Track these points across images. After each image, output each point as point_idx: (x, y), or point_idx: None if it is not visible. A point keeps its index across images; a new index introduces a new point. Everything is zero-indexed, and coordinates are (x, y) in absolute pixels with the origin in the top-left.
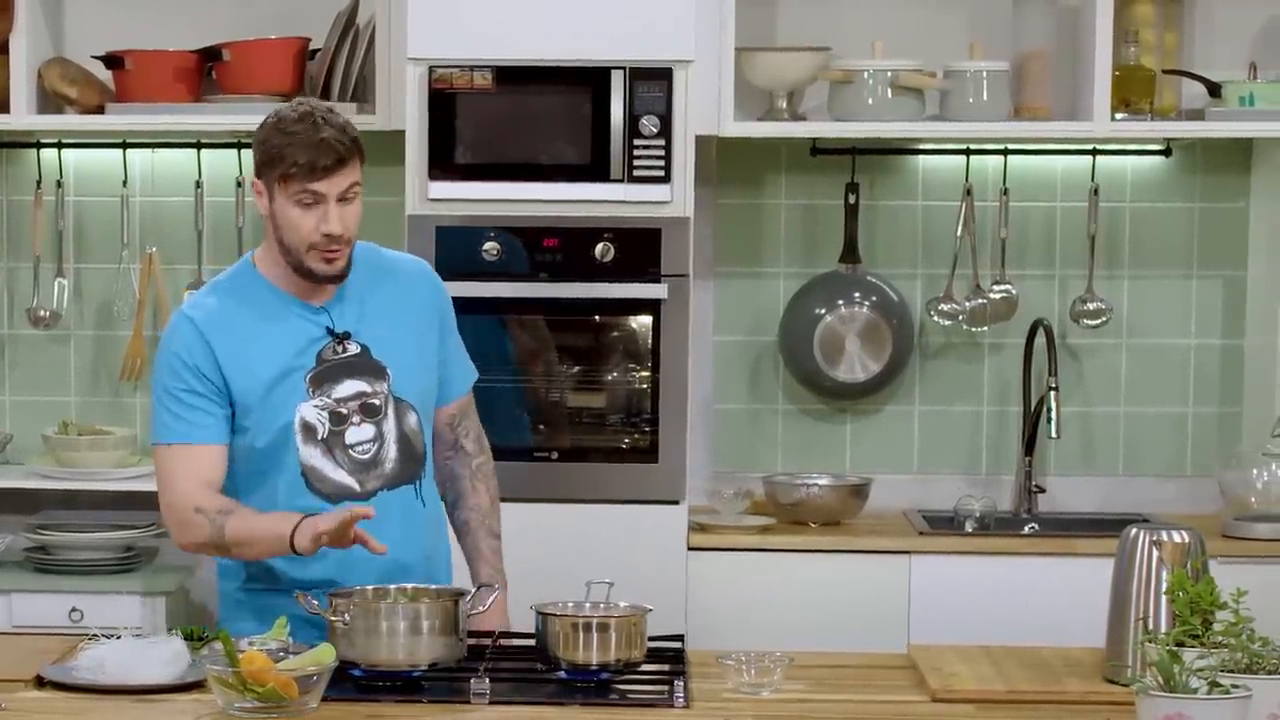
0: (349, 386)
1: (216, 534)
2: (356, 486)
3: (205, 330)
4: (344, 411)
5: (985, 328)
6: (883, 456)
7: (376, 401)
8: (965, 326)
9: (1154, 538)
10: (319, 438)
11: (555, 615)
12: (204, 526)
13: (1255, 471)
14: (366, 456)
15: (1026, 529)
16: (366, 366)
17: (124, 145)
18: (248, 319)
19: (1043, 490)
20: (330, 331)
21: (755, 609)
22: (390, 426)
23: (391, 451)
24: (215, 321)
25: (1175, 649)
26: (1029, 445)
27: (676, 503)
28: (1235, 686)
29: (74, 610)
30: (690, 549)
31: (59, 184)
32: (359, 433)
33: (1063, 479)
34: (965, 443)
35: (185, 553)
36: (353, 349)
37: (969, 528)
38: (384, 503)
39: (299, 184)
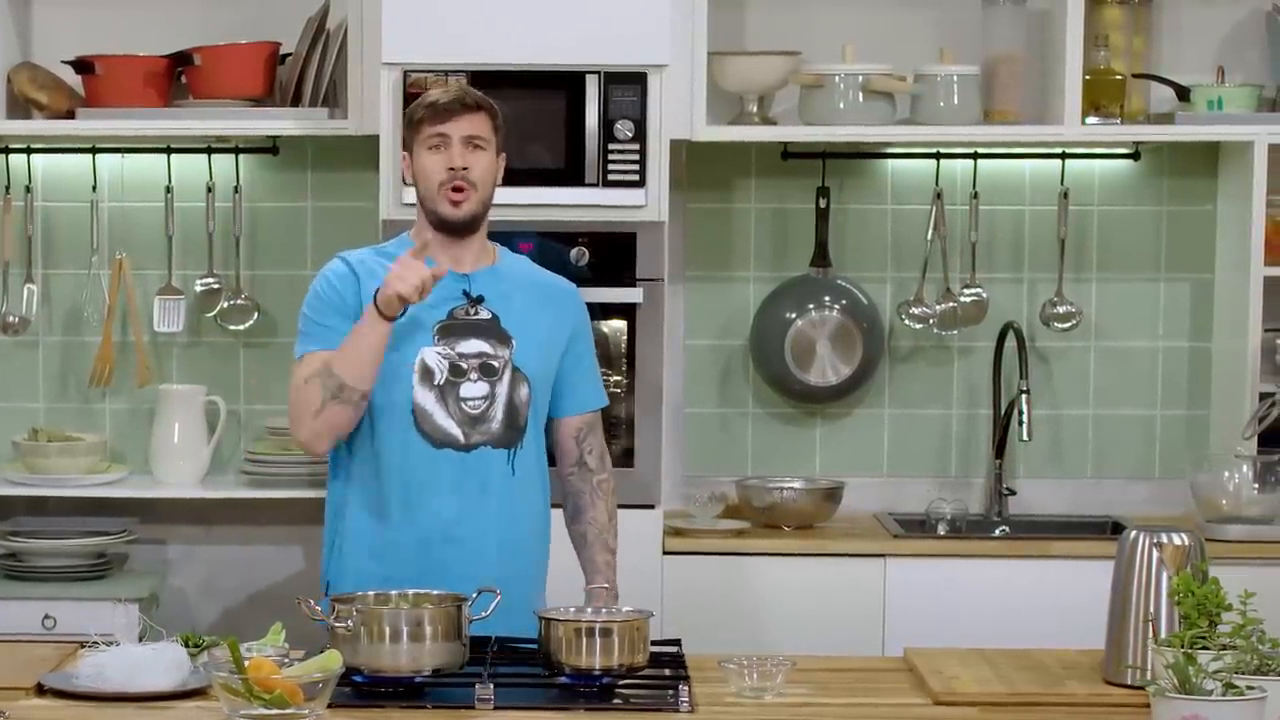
0: (473, 345)
1: (328, 380)
2: (461, 437)
3: (357, 269)
4: (464, 366)
5: (955, 331)
6: (853, 460)
7: (496, 364)
8: (935, 330)
9: (1155, 540)
10: (435, 382)
11: (558, 620)
12: (315, 385)
13: (1226, 474)
14: (476, 412)
15: (997, 531)
16: (493, 331)
17: (93, 150)
18: (390, 264)
19: (1013, 493)
20: (466, 294)
21: (732, 612)
22: (503, 390)
23: (499, 413)
24: (367, 265)
25: (1190, 651)
26: (999, 448)
27: (652, 507)
28: (1250, 688)
29: (47, 617)
30: (665, 553)
31: (28, 189)
32: (473, 388)
33: (1032, 481)
34: (935, 446)
35: (310, 449)
36: (483, 314)
37: (941, 530)
38: (483, 458)
39: (427, 128)
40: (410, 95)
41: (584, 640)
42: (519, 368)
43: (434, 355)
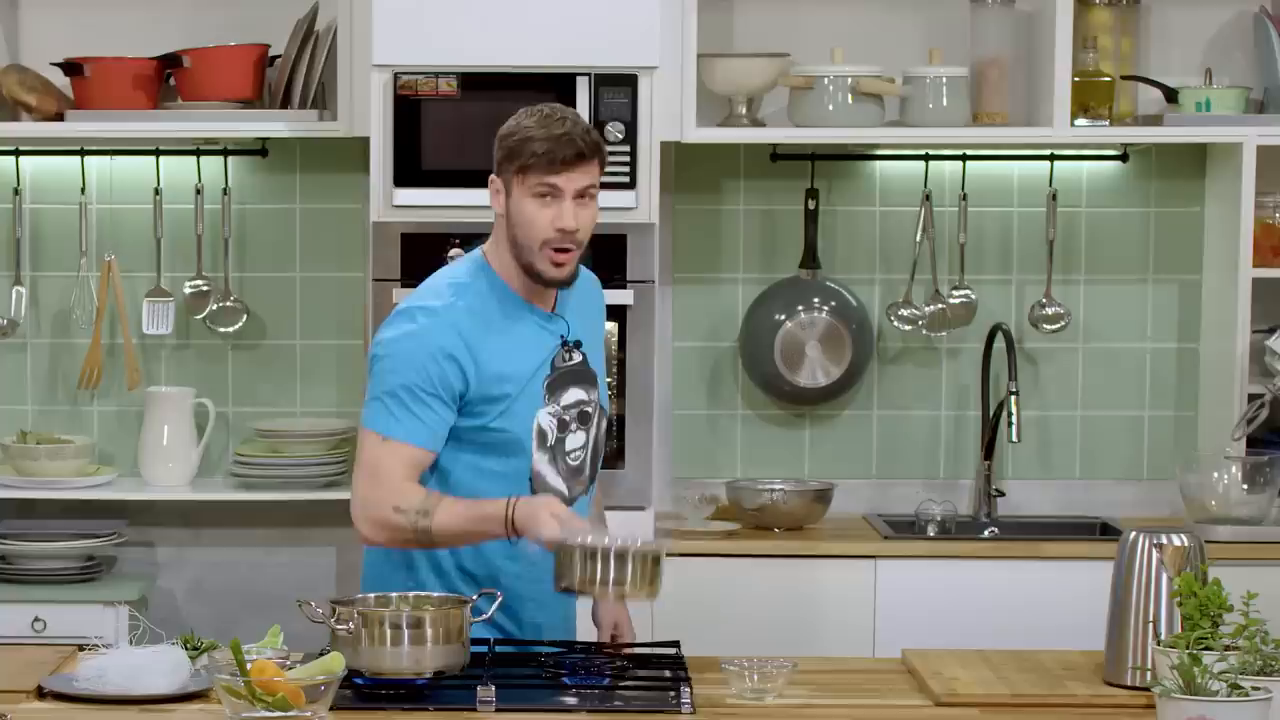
0: (572, 394)
1: (421, 531)
2: (566, 492)
3: (465, 332)
4: (567, 419)
5: (944, 332)
6: (842, 461)
7: (590, 410)
8: (924, 331)
9: (1155, 541)
10: (548, 444)
11: (571, 545)
12: (403, 524)
13: (1215, 474)
14: (577, 463)
15: (986, 533)
16: (585, 375)
17: (82, 153)
18: (495, 323)
19: (1002, 494)
20: (564, 341)
21: (723, 614)
22: (594, 434)
23: (589, 459)
24: (469, 324)
25: (1196, 652)
26: (988, 449)
27: (643, 509)
28: (1256, 688)
29: (36, 620)
30: None
31: (16, 191)
32: (575, 440)
33: (1020, 483)
34: (924, 447)
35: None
36: (577, 357)
37: (931, 532)
38: (579, 506)
39: (537, 176)
40: (400, 97)
41: (598, 564)
42: (603, 405)
43: (546, 417)
